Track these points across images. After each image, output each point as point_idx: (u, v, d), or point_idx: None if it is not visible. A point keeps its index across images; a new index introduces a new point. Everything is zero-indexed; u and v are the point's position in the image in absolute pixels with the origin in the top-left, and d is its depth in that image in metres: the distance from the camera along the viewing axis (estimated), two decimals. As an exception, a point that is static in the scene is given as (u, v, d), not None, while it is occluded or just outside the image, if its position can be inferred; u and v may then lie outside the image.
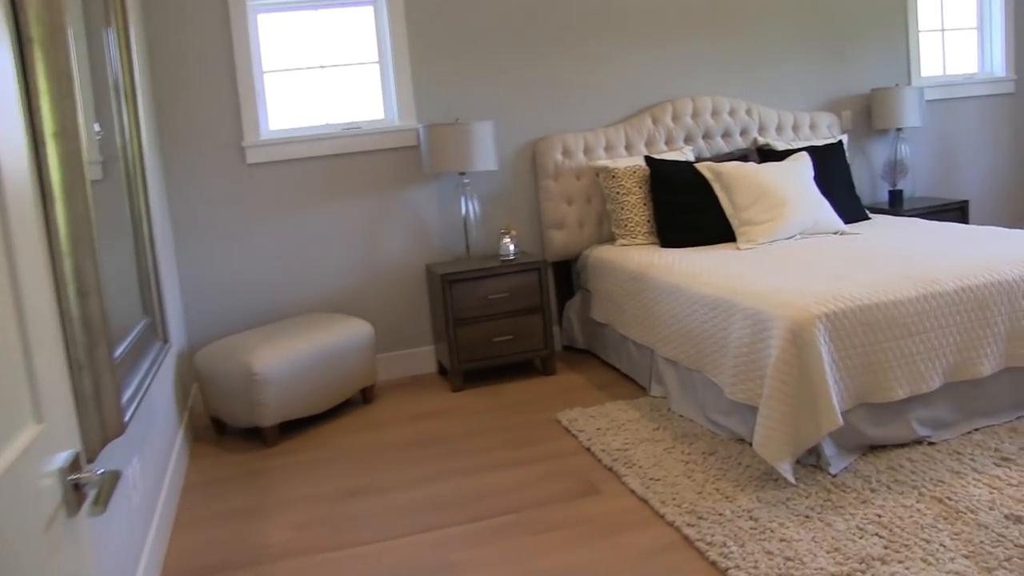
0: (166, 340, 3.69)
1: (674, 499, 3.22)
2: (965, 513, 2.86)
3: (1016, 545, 2.64)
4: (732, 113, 5.64)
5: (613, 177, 5.16)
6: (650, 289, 4.36)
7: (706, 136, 5.62)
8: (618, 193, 5.13)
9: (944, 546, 2.68)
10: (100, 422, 2.35)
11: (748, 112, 5.67)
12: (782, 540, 2.82)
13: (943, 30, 6.33)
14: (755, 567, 2.68)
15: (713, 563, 2.77)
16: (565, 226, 5.37)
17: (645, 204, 5.11)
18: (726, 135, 5.65)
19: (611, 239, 5.39)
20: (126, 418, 2.53)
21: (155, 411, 3.55)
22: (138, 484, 2.94)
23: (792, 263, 4.05)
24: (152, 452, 3.33)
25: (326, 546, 3.21)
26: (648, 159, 5.10)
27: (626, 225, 5.12)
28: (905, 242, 4.30)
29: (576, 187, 5.37)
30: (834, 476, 3.26)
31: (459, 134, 4.90)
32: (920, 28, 6.19)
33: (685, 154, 5.38)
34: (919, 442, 3.48)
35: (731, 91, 5.78)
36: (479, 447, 4.06)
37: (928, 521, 2.85)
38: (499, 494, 3.51)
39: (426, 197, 5.31)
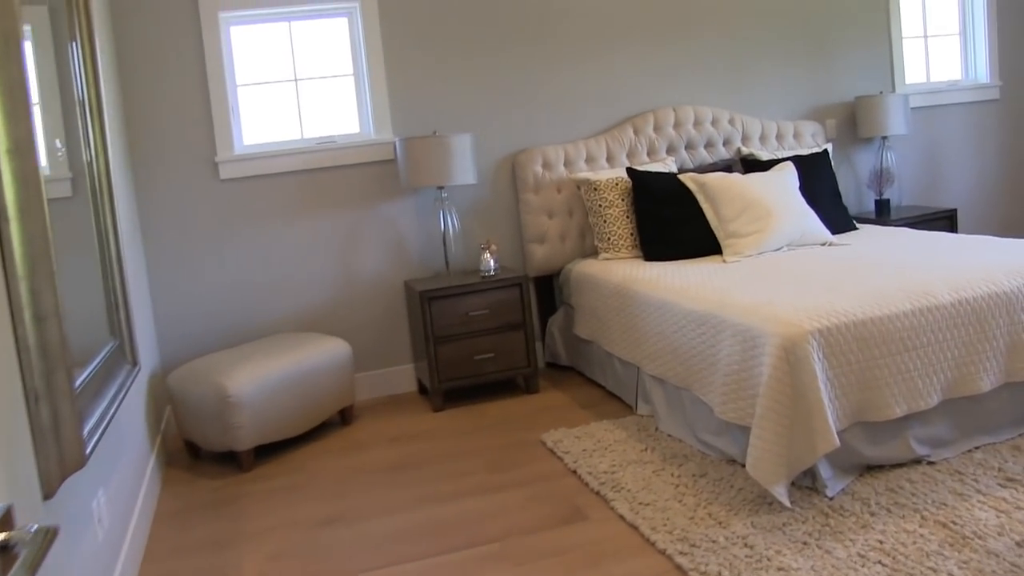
0: (135, 363, 3.55)
1: (665, 525, 3.09)
2: (972, 539, 2.73)
3: (1024, 571, 2.52)
4: (715, 123, 5.55)
5: (595, 189, 5.04)
6: (635, 304, 4.24)
7: (689, 146, 5.52)
8: (600, 206, 5.02)
9: None
10: (59, 455, 2.21)
11: (731, 121, 5.58)
12: (780, 569, 2.70)
13: (926, 36, 6.27)
14: (753, 598, 2.56)
15: (708, 594, 2.64)
16: (546, 240, 5.25)
17: (628, 217, 5.00)
18: (709, 145, 5.55)
19: (594, 253, 5.28)
20: (88, 449, 2.39)
21: (124, 438, 3.40)
22: (103, 518, 2.79)
23: (781, 276, 3.95)
24: (120, 481, 3.18)
25: (302, 580, 3.07)
26: (630, 171, 4.99)
27: (609, 238, 5.01)
28: (896, 253, 4.20)
29: (557, 200, 5.26)
30: (831, 499, 3.14)
31: (437, 147, 4.77)
32: (903, 35, 6.12)
33: (668, 165, 5.27)
34: (918, 461, 3.37)
35: (713, 100, 5.68)
36: (460, 470, 3.92)
37: (933, 548, 2.72)
38: (481, 521, 3.37)
39: (404, 212, 5.18)
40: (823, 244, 4.73)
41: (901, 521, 2.92)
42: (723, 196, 4.76)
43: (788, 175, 4.95)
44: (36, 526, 1.14)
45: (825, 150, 5.40)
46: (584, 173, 5.17)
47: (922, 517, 2.93)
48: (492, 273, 4.92)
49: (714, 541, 2.93)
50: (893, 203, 6.15)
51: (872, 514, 2.99)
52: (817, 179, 5.20)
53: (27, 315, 2.10)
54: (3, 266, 2.01)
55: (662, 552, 2.93)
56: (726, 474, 3.46)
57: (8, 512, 1.17)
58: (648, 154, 5.43)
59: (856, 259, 4.15)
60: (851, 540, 2.83)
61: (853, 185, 6.08)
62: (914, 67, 6.25)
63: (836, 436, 3.06)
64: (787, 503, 3.07)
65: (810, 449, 3.08)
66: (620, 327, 4.40)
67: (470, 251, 5.30)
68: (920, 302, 3.35)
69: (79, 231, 3.01)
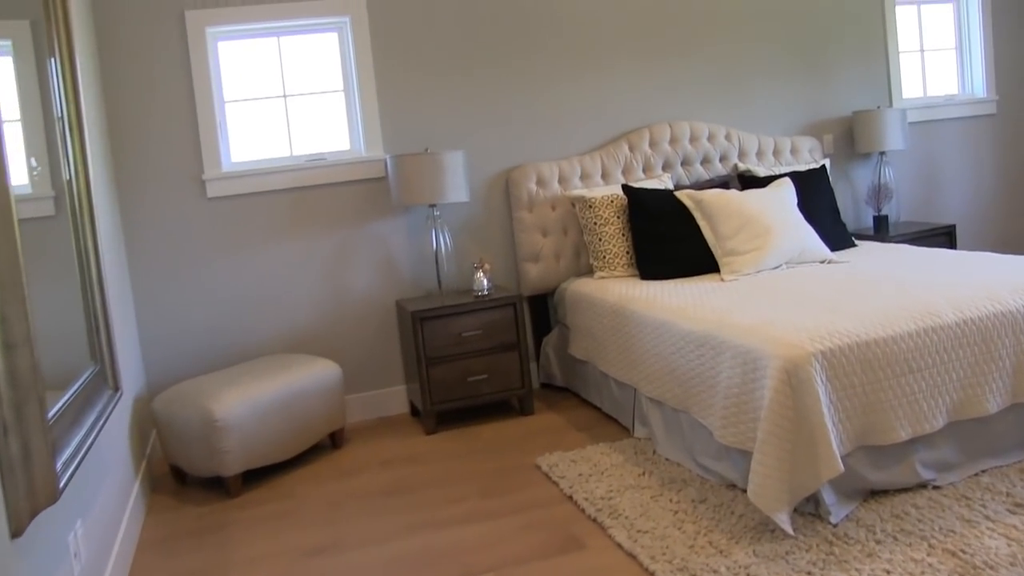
0: (117, 387, 3.44)
1: (664, 554, 2.98)
2: (984, 569, 2.62)
3: (1038, 603, 2.42)
4: (711, 138, 5.47)
5: (590, 207, 4.96)
6: (632, 324, 4.15)
7: (685, 163, 5.44)
8: (595, 223, 4.94)
9: (960, 605, 2.46)
10: (29, 490, 2.11)
11: (728, 137, 5.50)
12: (784, 601, 2.60)
13: (922, 51, 6.21)
14: (756, 633, 2.45)
15: (710, 628, 2.54)
16: (541, 258, 5.16)
17: (623, 235, 4.92)
18: (705, 161, 5.48)
19: (589, 271, 5.19)
20: (62, 483, 2.28)
21: (105, 465, 3.29)
22: (80, 552, 2.68)
23: (780, 295, 3.85)
24: (102, 510, 3.07)
25: (289, 613, 2.97)
26: (626, 187, 4.90)
27: (604, 257, 4.92)
28: (896, 270, 4.11)
29: (551, 218, 5.17)
30: (835, 526, 3.03)
31: (429, 164, 4.69)
32: (900, 49, 6.05)
33: (664, 182, 5.19)
34: (923, 486, 3.26)
35: (710, 116, 5.61)
36: (453, 496, 3.82)
37: (942, 578, 2.62)
38: (475, 550, 3.26)
39: (395, 230, 5.09)
40: (822, 261, 4.64)
41: (908, 549, 2.81)
42: (720, 213, 4.67)
43: (786, 191, 4.86)
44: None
45: (823, 166, 5.33)
46: (579, 190, 5.09)
47: (929, 545, 2.82)
48: (485, 292, 4.82)
49: (715, 571, 2.82)
50: (891, 219, 6.07)
51: (878, 542, 2.89)
52: (815, 195, 5.12)
53: (-4, 342, 2.00)
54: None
55: (661, 583, 2.82)
56: (726, 500, 3.36)
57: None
58: (644, 170, 5.35)
59: (856, 277, 4.06)
60: (856, 570, 2.72)
61: (851, 201, 6.00)
62: (911, 81, 6.19)
63: (840, 461, 2.97)
64: (790, 531, 2.97)
65: (813, 475, 2.98)
66: (616, 347, 4.31)
67: (463, 270, 5.20)
68: (924, 322, 3.26)
69: (62, 251, 2.92)
